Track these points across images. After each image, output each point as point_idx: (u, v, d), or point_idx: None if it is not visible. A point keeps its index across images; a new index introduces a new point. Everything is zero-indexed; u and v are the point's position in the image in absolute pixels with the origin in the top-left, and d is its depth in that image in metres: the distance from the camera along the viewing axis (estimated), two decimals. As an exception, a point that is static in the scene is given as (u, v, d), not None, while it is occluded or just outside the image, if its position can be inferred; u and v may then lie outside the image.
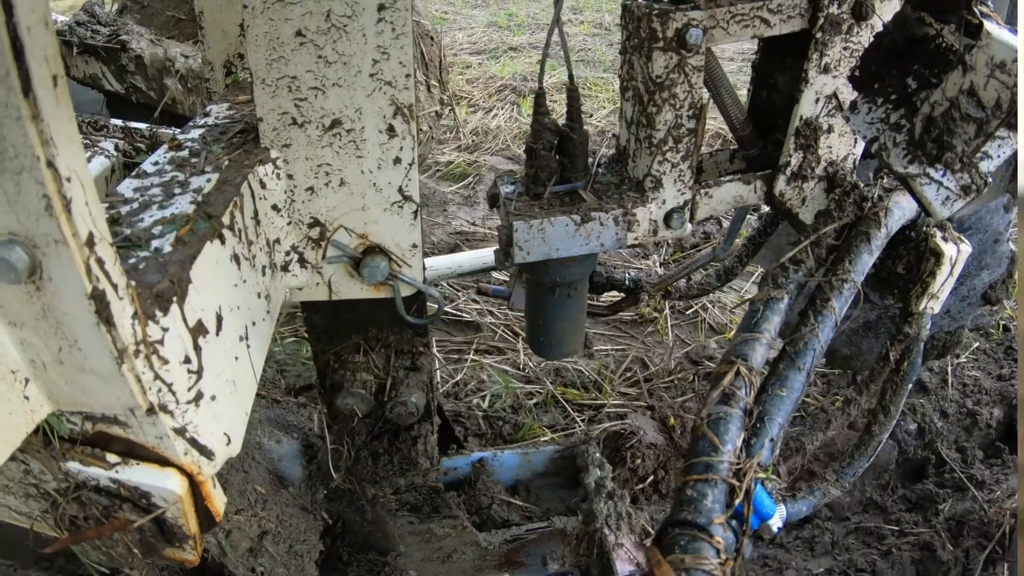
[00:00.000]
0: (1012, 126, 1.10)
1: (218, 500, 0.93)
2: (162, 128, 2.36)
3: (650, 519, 2.09)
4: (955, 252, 1.40)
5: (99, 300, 0.69)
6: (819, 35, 1.28)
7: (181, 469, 0.86)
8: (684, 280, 1.95)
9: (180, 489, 0.85)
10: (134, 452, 0.84)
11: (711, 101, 1.36)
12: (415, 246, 1.28)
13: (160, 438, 0.84)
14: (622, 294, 1.91)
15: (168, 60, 3.28)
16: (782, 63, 1.39)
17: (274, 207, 1.18)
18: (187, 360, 0.86)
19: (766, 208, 1.73)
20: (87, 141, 2.30)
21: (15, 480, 0.86)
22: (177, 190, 1.04)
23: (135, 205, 1.00)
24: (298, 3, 1.06)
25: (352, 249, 1.26)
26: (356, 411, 1.51)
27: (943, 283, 1.42)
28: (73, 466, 0.83)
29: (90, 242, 0.67)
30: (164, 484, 0.85)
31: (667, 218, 1.37)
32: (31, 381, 0.75)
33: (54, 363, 0.73)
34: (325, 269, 1.28)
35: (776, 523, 1.18)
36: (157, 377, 0.79)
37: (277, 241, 1.22)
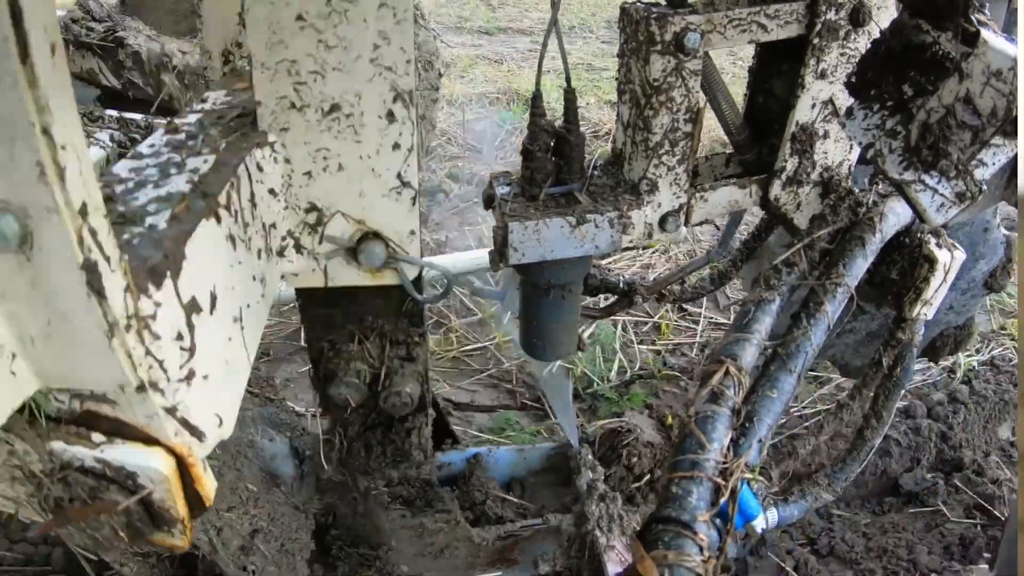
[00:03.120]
0: (1008, 134, 1.10)
1: (208, 483, 0.90)
2: (158, 119, 2.34)
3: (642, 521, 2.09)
4: (949, 259, 1.40)
5: (91, 271, 0.67)
6: (816, 41, 1.28)
7: (171, 450, 0.84)
8: (679, 283, 1.95)
9: (167, 469, 0.82)
10: (122, 432, 0.81)
11: (708, 105, 1.36)
12: (413, 232, 1.27)
13: (150, 417, 0.81)
14: (616, 296, 1.91)
15: (165, 56, 3.27)
16: (779, 68, 1.39)
17: (271, 191, 1.17)
18: (180, 337, 0.84)
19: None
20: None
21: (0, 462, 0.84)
22: (173, 171, 1.02)
23: (130, 184, 0.98)
24: None
25: (348, 238, 1.25)
26: (349, 400, 1.48)
27: (937, 289, 1.42)
28: (58, 446, 0.80)
29: (83, 211, 0.66)
30: (150, 463, 0.82)
31: (662, 221, 1.37)
32: (18, 356, 0.73)
33: (43, 337, 0.71)
34: (321, 255, 1.27)
35: (760, 524, 1.18)
36: (148, 353, 0.77)
37: (273, 225, 1.20)
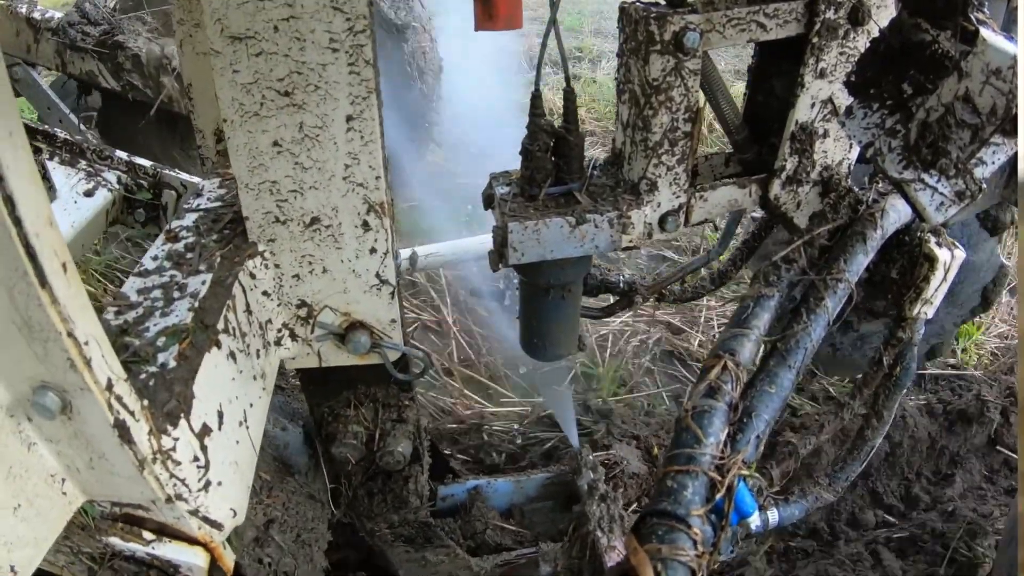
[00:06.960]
0: (1007, 132, 1.10)
1: (228, 558, 1.09)
2: (165, 169, 2.37)
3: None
4: (949, 257, 1.40)
5: (121, 427, 0.83)
6: (815, 40, 1.28)
7: (199, 541, 1.04)
8: (679, 283, 1.94)
9: (205, 563, 1.04)
10: (165, 531, 1.02)
11: (707, 104, 1.36)
12: (394, 321, 1.41)
13: (178, 518, 0.99)
14: (616, 296, 1.90)
15: (165, 58, 3.27)
16: (778, 67, 1.39)
17: (264, 293, 1.30)
18: (196, 459, 1.00)
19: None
20: (91, 169, 2.30)
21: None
22: (176, 294, 1.17)
23: (140, 311, 1.13)
24: (273, 116, 1.15)
25: (336, 327, 1.39)
26: (350, 458, 1.65)
27: (937, 288, 1.42)
28: (114, 540, 0.99)
29: (109, 386, 0.80)
30: (193, 560, 1.03)
31: (662, 221, 1.37)
32: (67, 480, 0.89)
33: (86, 468, 0.87)
34: (314, 341, 1.41)
35: (755, 521, 1.17)
36: (172, 476, 0.94)
37: (269, 321, 1.34)
